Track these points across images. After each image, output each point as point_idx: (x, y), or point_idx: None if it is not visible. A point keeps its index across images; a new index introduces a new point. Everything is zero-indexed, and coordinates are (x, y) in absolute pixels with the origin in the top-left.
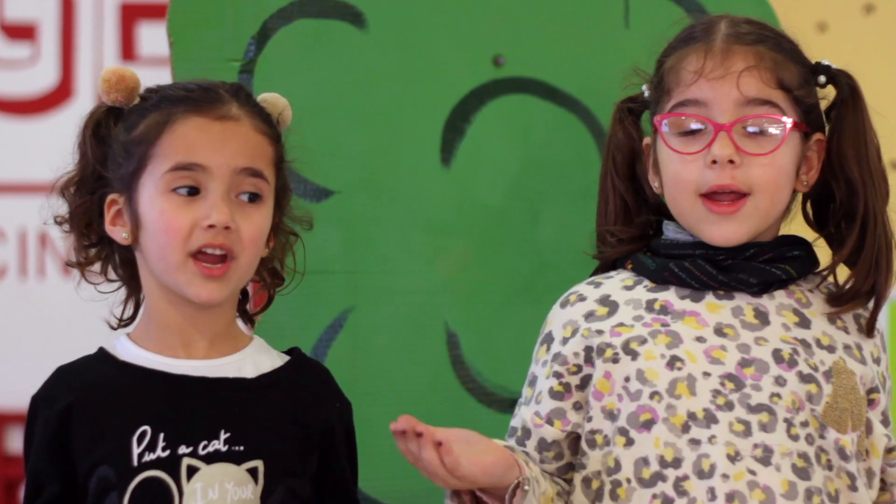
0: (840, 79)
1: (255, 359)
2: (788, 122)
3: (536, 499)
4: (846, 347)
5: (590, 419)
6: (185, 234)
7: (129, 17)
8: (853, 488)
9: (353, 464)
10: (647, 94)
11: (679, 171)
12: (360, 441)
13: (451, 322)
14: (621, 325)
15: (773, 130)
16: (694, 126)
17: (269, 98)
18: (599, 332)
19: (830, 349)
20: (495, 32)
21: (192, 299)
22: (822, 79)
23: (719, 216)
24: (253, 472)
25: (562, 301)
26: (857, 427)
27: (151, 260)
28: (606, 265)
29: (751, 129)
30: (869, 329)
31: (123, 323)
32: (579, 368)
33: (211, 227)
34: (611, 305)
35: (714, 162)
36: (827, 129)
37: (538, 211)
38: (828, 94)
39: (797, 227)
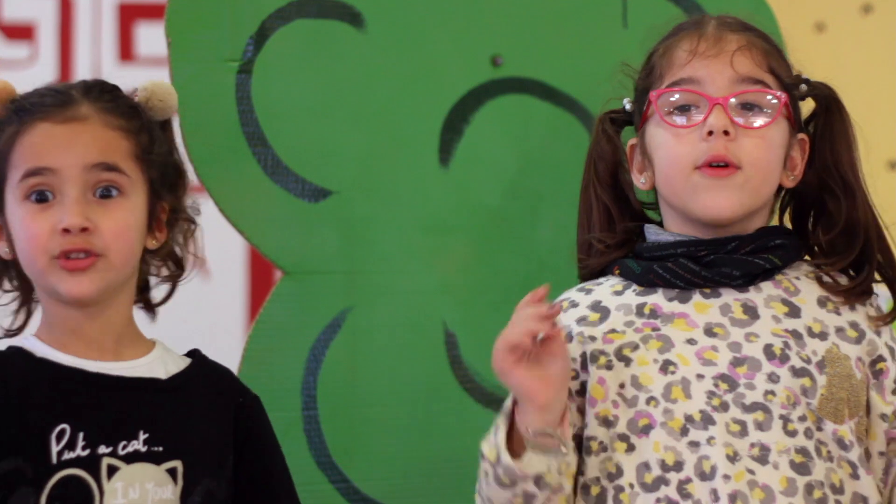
0: (822, 90)
1: (162, 361)
2: (782, 96)
3: (565, 456)
4: (839, 330)
5: (585, 426)
6: (45, 240)
7: (128, 18)
8: (855, 476)
9: (283, 462)
10: (628, 106)
11: (674, 147)
12: (359, 441)
13: (449, 322)
14: (613, 331)
15: (765, 107)
16: (682, 103)
17: (150, 86)
18: (592, 338)
19: (822, 336)
20: (493, 32)
21: (63, 297)
22: (804, 87)
23: (713, 180)
24: (172, 473)
25: None
26: (855, 414)
27: (25, 269)
28: (593, 274)
29: (744, 107)
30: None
31: (11, 333)
32: (577, 374)
33: (66, 231)
34: (602, 311)
35: (710, 133)
36: (806, 135)
37: (537, 211)
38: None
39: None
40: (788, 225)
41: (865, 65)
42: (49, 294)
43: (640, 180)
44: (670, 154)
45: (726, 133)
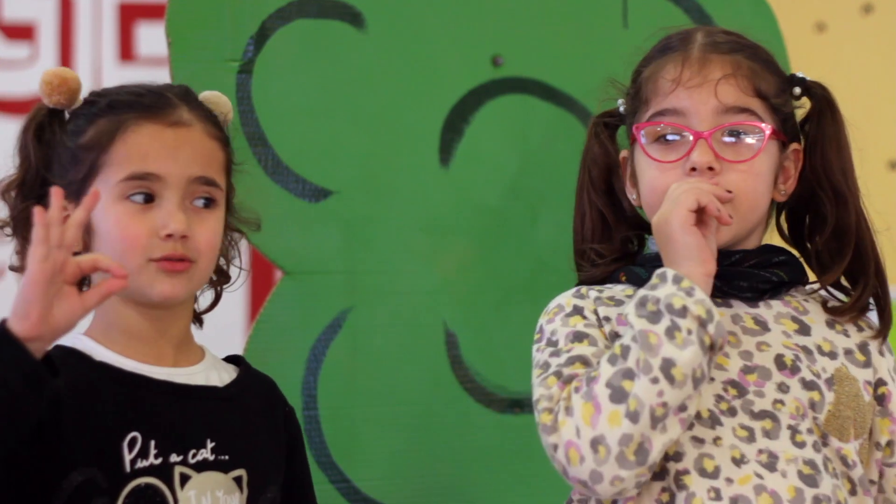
0: (815, 90)
1: (214, 368)
2: (767, 128)
3: None
4: (847, 353)
5: None
6: (144, 242)
7: (128, 18)
8: (853, 492)
9: (310, 471)
10: (622, 108)
11: (657, 178)
12: (359, 441)
13: (449, 322)
14: (628, 314)
15: (751, 138)
16: (672, 135)
17: (213, 98)
18: (607, 318)
19: (832, 355)
20: (494, 32)
21: (152, 298)
22: (798, 90)
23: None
24: (238, 481)
25: (574, 294)
26: (861, 434)
27: None
28: (593, 281)
29: (729, 137)
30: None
31: None
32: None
33: (168, 236)
34: (617, 302)
35: (693, 169)
36: (802, 140)
37: (537, 211)
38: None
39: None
40: (784, 226)
41: (865, 65)
42: (129, 294)
43: (632, 195)
44: (654, 185)
45: (711, 168)
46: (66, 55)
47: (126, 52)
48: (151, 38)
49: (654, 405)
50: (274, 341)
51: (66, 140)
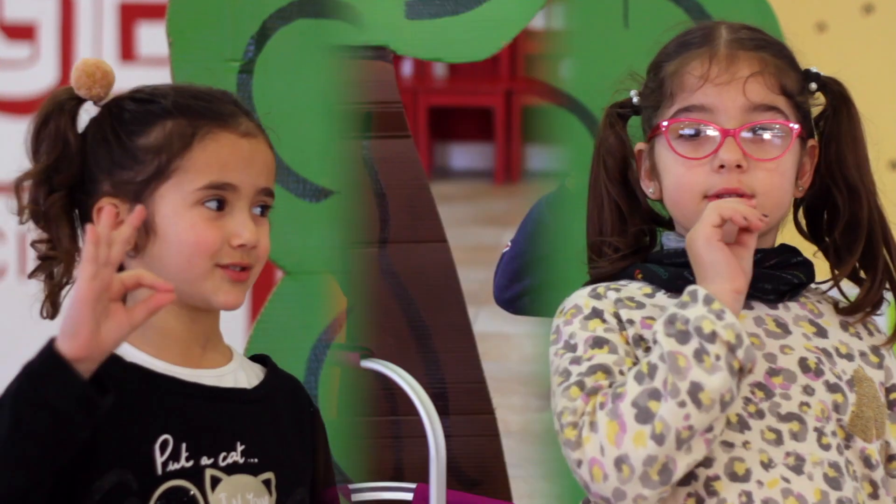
0: (831, 86)
1: (242, 369)
2: (795, 127)
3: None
4: (862, 354)
5: None
6: (216, 249)
7: (129, 17)
8: (875, 496)
9: (332, 468)
10: (635, 99)
11: (684, 175)
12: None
13: None
14: (651, 318)
15: (778, 136)
16: (688, 129)
17: None
18: (630, 321)
19: (849, 357)
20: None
21: (214, 305)
22: (814, 86)
23: None
24: (267, 484)
25: (591, 294)
26: (881, 435)
27: (169, 270)
28: (602, 278)
29: (751, 133)
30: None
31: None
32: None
33: (241, 245)
34: (637, 303)
35: (721, 167)
36: (815, 136)
37: None
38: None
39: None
40: (802, 223)
41: (866, 65)
42: (187, 298)
43: (649, 189)
44: (680, 181)
45: (739, 166)
46: (66, 55)
47: (127, 52)
48: (152, 38)
49: (680, 428)
50: (274, 341)
51: (123, 138)
